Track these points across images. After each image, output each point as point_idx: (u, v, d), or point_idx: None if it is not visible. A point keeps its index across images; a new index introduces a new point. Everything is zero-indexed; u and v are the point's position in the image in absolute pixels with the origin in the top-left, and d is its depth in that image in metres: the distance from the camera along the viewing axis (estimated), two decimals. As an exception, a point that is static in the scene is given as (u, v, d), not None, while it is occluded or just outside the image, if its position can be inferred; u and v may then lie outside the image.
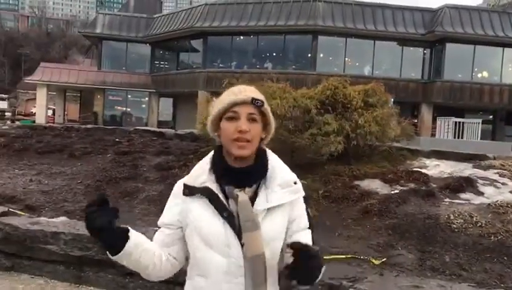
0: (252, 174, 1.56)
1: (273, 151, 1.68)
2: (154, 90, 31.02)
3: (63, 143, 10.02)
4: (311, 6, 25.78)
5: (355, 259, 4.71)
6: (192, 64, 30.49)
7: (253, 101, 1.53)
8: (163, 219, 1.64)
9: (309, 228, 1.67)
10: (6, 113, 38.69)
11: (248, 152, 1.53)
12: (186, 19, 28.83)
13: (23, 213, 5.76)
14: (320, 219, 5.81)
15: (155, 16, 32.54)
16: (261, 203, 1.54)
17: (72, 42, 74.93)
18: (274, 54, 28.27)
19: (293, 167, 1.62)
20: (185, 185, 1.58)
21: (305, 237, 1.60)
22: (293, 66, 27.59)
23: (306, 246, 1.44)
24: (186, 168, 7.04)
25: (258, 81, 8.14)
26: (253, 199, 1.54)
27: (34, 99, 35.82)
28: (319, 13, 25.59)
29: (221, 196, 1.53)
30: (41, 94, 31.11)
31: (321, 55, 26.89)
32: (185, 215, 1.57)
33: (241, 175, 1.55)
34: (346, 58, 27.15)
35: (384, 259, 4.72)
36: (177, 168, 7.62)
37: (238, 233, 1.50)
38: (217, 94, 1.70)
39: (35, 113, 33.84)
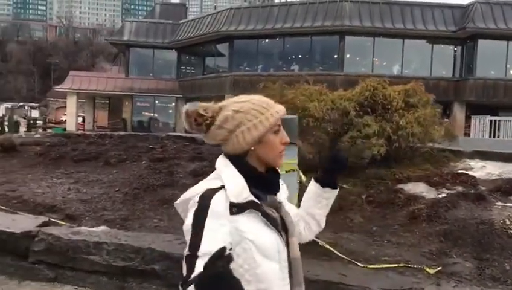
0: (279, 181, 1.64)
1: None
2: (181, 96, 31.19)
3: (98, 151, 10.04)
4: (337, 6, 25.48)
5: (408, 268, 4.47)
6: (218, 69, 30.55)
7: None
8: (210, 246, 1.33)
9: None
10: (37, 122, 39.49)
11: None
12: (211, 23, 28.89)
13: (63, 223, 5.73)
14: (367, 225, 5.60)
15: (181, 21, 32.73)
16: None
17: (98, 50, 76.30)
18: (300, 56, 28.07)
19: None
20: (232, 204, 1.46)
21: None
22: (320, 68, 27.30)
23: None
24: (224, 174, 6.88)
25: (289, 84, 7.99)
26: None
27: (64, 107, 36.53)
28: (345, 13, 25.28)
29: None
30: (71, 102, 31.69)
31: (348, 55, 26.55)
32: (234, 235, 1.45)
33: (276, 184, 1.61)
34: (374, 58, 26.74)
35: (439, 268, 4.47)
36: (213, 174, 7.50)
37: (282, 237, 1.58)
38: None
39: (65, 120, 34.48)
